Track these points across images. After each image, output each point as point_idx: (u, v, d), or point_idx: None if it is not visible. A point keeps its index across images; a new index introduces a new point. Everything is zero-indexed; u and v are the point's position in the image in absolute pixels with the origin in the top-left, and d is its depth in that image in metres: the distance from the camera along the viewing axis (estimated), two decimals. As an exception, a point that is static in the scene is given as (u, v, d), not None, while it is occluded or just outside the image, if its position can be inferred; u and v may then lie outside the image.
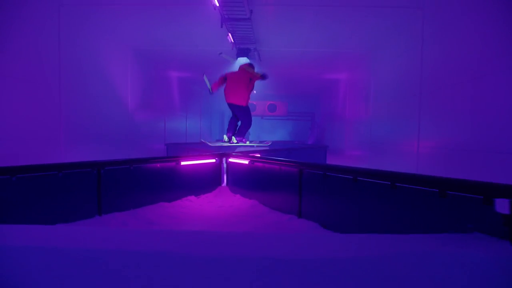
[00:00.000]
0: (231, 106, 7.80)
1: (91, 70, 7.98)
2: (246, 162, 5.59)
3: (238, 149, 7.80)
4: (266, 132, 21.30)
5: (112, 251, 1.88)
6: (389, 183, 2.97)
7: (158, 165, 5.05)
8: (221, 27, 7.42)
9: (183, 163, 5.41)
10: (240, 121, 8.60)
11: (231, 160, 6.10)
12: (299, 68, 12.16)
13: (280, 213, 4.62)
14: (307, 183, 4.17)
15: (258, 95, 19.33)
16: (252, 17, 7.18)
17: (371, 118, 9.68)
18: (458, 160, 5.41)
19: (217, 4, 6.39)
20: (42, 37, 6.36)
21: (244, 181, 5.74)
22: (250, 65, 7.91)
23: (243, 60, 9.84)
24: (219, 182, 6.21)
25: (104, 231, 2.31)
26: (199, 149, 8.14)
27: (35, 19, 6.16)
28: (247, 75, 8.06)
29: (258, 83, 14.55)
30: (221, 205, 5.44)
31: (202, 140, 9.15)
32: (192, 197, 5.52)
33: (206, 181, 5.93)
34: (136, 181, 4.73)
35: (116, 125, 9.12)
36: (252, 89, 7.99)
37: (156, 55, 10.77)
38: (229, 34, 8.20)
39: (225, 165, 6.29)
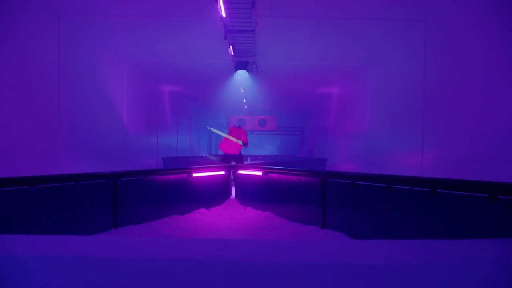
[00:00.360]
0: (226, 155, 8.37)
1: (89, 82, 7.80)
2: (259, 173, 5.49)
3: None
4: (254, 147, 21.21)
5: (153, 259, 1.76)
6: (429, 189, 2.93)
7: (171, 176, 4.90)
8: (225, 38, 7.39)
9: (194, 174, 5.27)
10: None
11: (241, 172, 5.99)
12: (294, 82, 12.22)
13: (300, 224, 4.52)
14: (331, 193, 4.09)
15: (248, 110, 19.34)
16: (256, 29, 7.18)
17: (368, 131, 9.74)
18: (464, 170, 5.44)
19: (224, 15, 6.36)
20: (42, 47, 6.19)
21: (256, 193, 5.63)
22: (239, 127, 8.61)
23: (241, 73, 9.83)
24: (228, 194, 6.08)
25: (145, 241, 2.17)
26: (198, 162, 7.99)
27: (35, 29, 6.00)
28: (238, 134, 8.50)
29: (250, 97, 14.62)
30: (233, 217, 5.30)
31: (206, 155, 9.21)
32: (203, 210, 5.37)
33: (215, 194, 5.79)
34: (151, 193, 4.56)
35: (111, 139, 8.90)
36: (244, 142, 8.53)
37: (152, 69, 10.64)
38: (230, 47, 8.18)
39: (233, 178, 6.17)
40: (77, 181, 3.64)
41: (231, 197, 6.10)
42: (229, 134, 8.45)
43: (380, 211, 3.43)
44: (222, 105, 17.14)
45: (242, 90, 13.02)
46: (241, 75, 10.09)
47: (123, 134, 9.52)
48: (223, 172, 5.90)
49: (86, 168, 5.95)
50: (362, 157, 10.16)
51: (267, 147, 23.23)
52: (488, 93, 4.90)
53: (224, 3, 5.97)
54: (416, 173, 6.89)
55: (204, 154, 9.16)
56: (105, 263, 1.79)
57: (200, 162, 7.75)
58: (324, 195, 4.17)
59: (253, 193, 5.71)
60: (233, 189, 6.23)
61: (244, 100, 15.87)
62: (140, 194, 4.41)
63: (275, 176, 5.14)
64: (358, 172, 3.89)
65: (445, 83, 6.01)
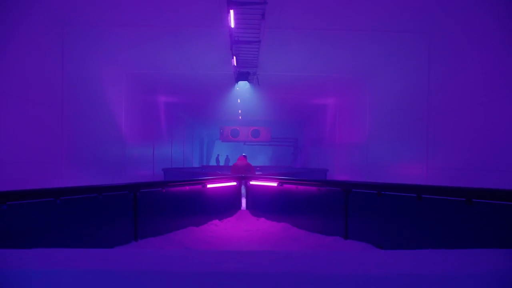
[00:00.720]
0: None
1: (91, 92, 7.68)
2: (272, 184, 5.44)
3: None
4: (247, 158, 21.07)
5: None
6: (464, 199, 2.93)
7: (187, 187, 4.83)
8: (231, 49, 7.40)
9: (209, 185, 5.21)
10: None
11: (252, 182, 5.94)
12: (293, 93, 12.24)
13: (320, 235, 4.47)
14: (354, 203, 4.07)
15: (242, 121, 19.29)
16: (262, 40, 7.20)
17: (368, 141, 9.78)
18: (469, 181, 5.49)
19: (233, 26, 6.36)
20: (46, 58, 6.06)
21: (269, 203, 5.57)
22: (245, 156, 9.11)
23: (242, 84, 9.83)
24: (239, 205, 6.01)
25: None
26: (201, 173, 7.92)
27: (39, 40, 5.88)
28: (247, 167, 8.78)
29: (246, 108, 14.63)
30: (246, 228, 5.23)
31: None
32: (216, 221, 5.29)
33: (227, 205, 5.73)
34: (168, 204, 4.48)
35: (111, 150, 8.76)
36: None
37: (152, 79, 10.53)
38: (234, 57, 8.18)
39: (243, 189, 6.12)
40: (99, 192, 3.54)
41: (242, 208, 6.03)
42: (238, 164, 8.63)
43: (409, 221, 3.41)
44: (216, 116, 17.09)
45: (239, 101, 13.00)
46: (242, 86, 10.08)
47: (122, 145, 9.38)
48: (235, 183, 5.84)
49: (87, 180, 5.80)
50: (361, 167, 10.18)
51: (259, 157, 23.16)
52: (493, 104, 4.97)
53: (235, 14, 5.97)
54: (421, 183, 6.92)
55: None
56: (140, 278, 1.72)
57: (201, 173, 7.65)
58: (347, 205, 4.14)
59: (266, 204, 5.65)
60: (243, 200, 6.16)
61: (239, 111, 15.85)
62: (158, 206, 4.33)
63: (291, 186, 5.10)
64: (384, 182, 3.88)
65: (449, 94, 6.08)
